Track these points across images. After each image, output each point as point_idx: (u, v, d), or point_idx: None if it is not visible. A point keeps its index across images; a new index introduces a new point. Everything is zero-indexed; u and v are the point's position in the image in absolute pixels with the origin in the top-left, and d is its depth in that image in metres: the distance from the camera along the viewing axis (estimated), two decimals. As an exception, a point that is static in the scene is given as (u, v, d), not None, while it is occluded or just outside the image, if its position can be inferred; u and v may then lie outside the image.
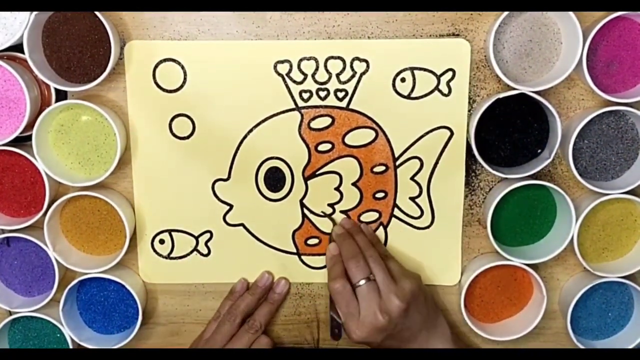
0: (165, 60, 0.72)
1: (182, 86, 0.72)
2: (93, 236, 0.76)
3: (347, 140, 0.73)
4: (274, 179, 0.74)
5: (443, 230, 0.76)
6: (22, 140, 0.72)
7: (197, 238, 0.76)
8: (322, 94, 0.72)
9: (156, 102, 0.73)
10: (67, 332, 0.76)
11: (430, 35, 0.72)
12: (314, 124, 0.73)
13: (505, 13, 0.67)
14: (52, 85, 0.70)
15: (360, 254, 0.70)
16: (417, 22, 0.71)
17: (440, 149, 0.73)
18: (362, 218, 0.76)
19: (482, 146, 0.71)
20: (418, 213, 0.75)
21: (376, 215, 0.76)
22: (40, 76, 0.68)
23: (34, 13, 0.67)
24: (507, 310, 0.78)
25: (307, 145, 0.73)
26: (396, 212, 0.76)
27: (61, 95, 0.73)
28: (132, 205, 0.76)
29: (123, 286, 0.74)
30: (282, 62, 0.72)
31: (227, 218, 0.76)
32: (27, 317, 0.77)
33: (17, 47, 0.69)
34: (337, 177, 0.74)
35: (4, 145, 0.70)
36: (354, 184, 0.75)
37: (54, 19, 0.69)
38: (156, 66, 0.72)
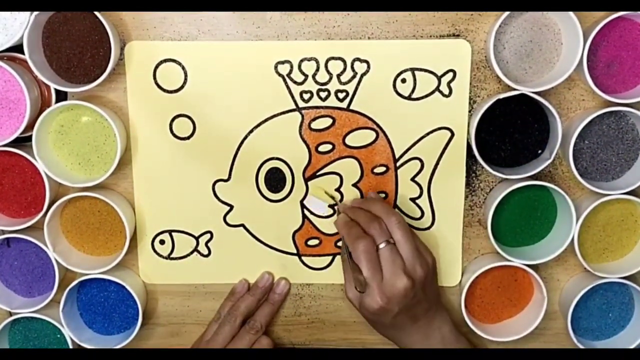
0: (165, 60, 0.72)
1: (182, 87, 0.72)
2: (93, 237, 0.76)
3: (348, 141, 0.73)
4: (275, 180, 0.74)
5: (444, 231, 0.76)
6: (22, 141, 0.72)
7: (197, 238, 0.76)
8: (323, 94, 0.72)
9: (157, 102, 0.72)
10: (68, 333, 0.76)
11: (430, 36, 0.71)
12: (314, 125, 0.73)
13: (506, 13, 0.67)
14: (52, 85, 0.70)
15: (379, 218, 0.68)
16: (418, 22, 0.71)
17: (440, 150, 0.73)
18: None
19: (482, 147, 0.71)
20: (418, 214, 0.75)
21: None
22: (41, 77, 0.68)
23: (34, 14, 0.67)
24: (507, 311, 0.78)
25: (308, 146, 0.73)
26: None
27: (61, 96, 0.72)
28: (132, 206, 0.76)
29: (123, 287, 0.74)
30: (282, 62, 0.72)
31: (227, 218, 0.75)
32: (28, 318, 0.77)
33: (17, 47, 0.69)
34: (338, 177, 0.74)
35: (4, 146, 0.70)
36: (354, 185, 0.74)
37: (54, 19, 0.69)
38: (157, 66, 0.72)
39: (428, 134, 0.73)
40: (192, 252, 0.77)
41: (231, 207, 0.75)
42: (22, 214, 0.74)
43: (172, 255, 0.77)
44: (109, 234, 0.76)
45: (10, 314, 0.77)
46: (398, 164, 0.74)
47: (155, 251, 0.77)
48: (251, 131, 0.73)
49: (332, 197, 0.75)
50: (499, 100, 0.69)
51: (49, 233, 0.73)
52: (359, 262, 0.67)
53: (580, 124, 0.69)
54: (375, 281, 0.66)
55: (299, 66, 0.71)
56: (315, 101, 0.72)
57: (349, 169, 0.74)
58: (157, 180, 0.74)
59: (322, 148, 0.73)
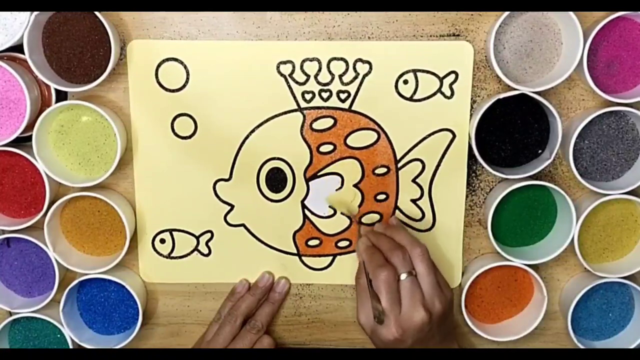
0: (167, 59, 0.71)
1: (184, 86, 0.72)
2: (93, 237, 0.76)
3: (349, 141, 0.73)
4: (276, 180, 0.74)
5: (444, 233, 0.76)
6: (23, 141, 0.72)
7: (197, 238, 0.76)
8: (325, 95, 0.72)
9: (158, 101, 0.72)
10: (68, 333, 0.76)
11: (430, 36, 0.71)
12: (316, 125, 0.73)
13: (506, 13, 0.67)
14: (53, 85, 0.70)
15: (402, 247, 0.68)
16: (418, 22, 0.71)
17: (442, 151, 0.73)
18: (364, 220, 0.76)
19: (482, 146, 0.71)
20: (419, 215, 0.75)
21: (377, 217, 0.76)
22: (41, 77, 0.68)
23: (34, 13, 0.67)
24: (507, 311, 0.78)
25: (309, 146, 0.73)
26: (397, 214, 0.75)
27: (61, 96, 0.72)
28: (132, 206, 0.76)
29: (123, 287, 0.74)
30: (284, 62, 0.71)
31: (228, 218, 0.75)
32: (28, 318, 0.77)
33: (18, 47, 0.69)
34: (339, 178, 0.74)
35: (4, 145, 0.70)
36: (355, 186, 0.74)
37: (54, 19, 0.69)
38: (158, 66, 0.72)
39: (429, 135, 0.73)
40: (192, 252, 0.77)
41: (232, 206, 0.75)
42: (22, 213, 0.74)
43: (172, 255, 0.77)
44: (109, 233, 0.76)
45: (11, 314, 0.77)
46: (399, 165, 0.74)
47: (155, 250, 0.76)
48: (252, 131, 0.73)
49: (353, 217, 0.75)
50: (499, 100, 0.69)
51: (49, 233, 0.73)
52: (379, 292, 0.65)
53: (581, 124, 0.69)
54: (393, 313, 0.65)
55: (301, 66, 0.71)
56: (317, 101, 0.72)
57: (350, 169, 0.74)
58: (158, 179, 0.74)
59: (323, 148, 0.73)
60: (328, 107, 0.73)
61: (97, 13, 0.67)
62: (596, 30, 0.67)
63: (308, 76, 0.72)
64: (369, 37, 0.72)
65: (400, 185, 0.75)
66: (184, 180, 0.74)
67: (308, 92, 0.72)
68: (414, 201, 0.75)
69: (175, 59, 0.71)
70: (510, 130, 0.72)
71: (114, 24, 0.71)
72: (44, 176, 0.71)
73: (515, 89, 0.68)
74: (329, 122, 0.73)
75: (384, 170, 0.74)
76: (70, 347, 0.76)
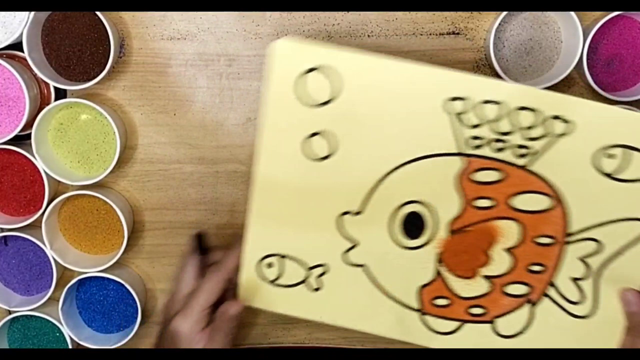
0: (314, 69, 0.59)
1: (328, 101, 0.60)
2: (91, 235, 0.76)
3: (515, 202, 0.61)
4: (413, 225, 0.63)
5: (602, 326, 0.63)
6: (22, 139, 0.72)
7: (309, 270, 0.66)
8: (498, 145, 0.59)
9: (294, 114, 0.61)
10: (67, 331, 0.76)
11: (430, 34, 0.71)
12: (477, 176, 0.61)
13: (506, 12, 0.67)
14: (52, 83, 0.70)
15: None
16: (417, 20, 0.71)
17: (628, 240, 0.61)
18: (509, 290, 0.64)
19: (482, 145, 0.71)
20: (577, 297, 0.63)
21: (525, 289, 0.64)
22: (40, 75, 0.68)
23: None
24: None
25: (463, 197, 0.62)
26: (550, 291, 0.64)
27: (60, 94, 0.72)
28: (130, 205, 0.76)
29: (122, 285, 0.74)
30: (458, 99, 0.58)
31: (348, 255, 0.65)
32: (26, 316, 0.77)
33: (17, 45, 0.69)
34: (490, 238, 0.63)
35: (3, 143, 0.70)
36: (507, 250, 0.63)
37: (53, 17, 0.69)
38: (302, 74, 0.59)
39: (620, 220, 0.61)
40: (300, 283, 0.66)
41: (355, 243, 0.65)
42: (21, 212, 0.74)
43: (278, 282, 0.66)
44: (106, 232, 0.76)
45: (9, 313, 0.77)
46: (569, 239, 0.62)
47: (260, 273, 0.66)
48: (399, 166, 0.62)
49: None
50: (498, 98, 0.69)
51: (47, 231, 0.73)
52: None
53: (580, 122, 0.68)
54: None
55: (479, 108, 0.58)
56: (486, 151, 0.60)
57: (507, 232, 0.63)
58: (279, 198, 0.64)
59: (479, 202, 0.62)
60: (498, 160, 0.60)
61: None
62: (596, 29, 0.66)
63: (483, 120, 0.58)
64: (368, 36, 0.72)
65: (564, 260, 0.63)
66: (308, 205, 0.64)
67: (477, 138, 0.59)
68: (575, 280, 0.63)
69: (323, 69, 0.59)
70: (510, 128, 0.71)
71: (113, 21, 0.71)
72: (42, 174, 0.71)
73: (515, 87, 0.68)
74: (495, 175, 0.61)
75: (548, 240, 0.62)
76: (70, 345, 0.76)
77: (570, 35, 0.68)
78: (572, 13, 0.66)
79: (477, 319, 0.65)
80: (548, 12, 0.69)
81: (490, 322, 0.65)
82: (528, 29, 0.70)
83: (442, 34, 0.71)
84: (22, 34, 0.67)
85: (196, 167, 0.76)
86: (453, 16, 0.71)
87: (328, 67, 0.59)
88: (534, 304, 0.64)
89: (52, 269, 0.74)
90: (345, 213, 0.64)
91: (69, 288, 0.74)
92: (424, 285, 0.65)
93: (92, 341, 0.77)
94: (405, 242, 0.64)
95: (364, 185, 0.63)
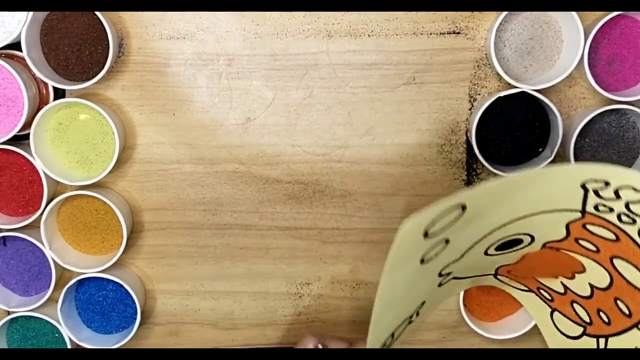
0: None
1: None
2: (90, 236, 0.76)
3: (616, 261, 0.59)
4: (508, 242, 0.61)
5: None
6: (20, 139, 0.72)
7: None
8: (623, 218, 0.54)
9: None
10: (66, 332, 0.75)
11: (430, 34, 0.71)
12: (591, 227, 0.57)
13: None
14: (50, 83, 0.69)
15: None
16: (418, 20, 0.71)
17: None
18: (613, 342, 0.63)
19: (483, 144, 0.71)
20: None
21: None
22: (39, 74, 0.68)
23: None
24: (507, 308, 0.77)
25: (568, 233, 0.59)
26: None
27: (59, 94, 0.72)
28: (129, 205, 0.76)
29: (122, 286, 0.74)
30: (595, 181, 0.52)
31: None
32: (25, 317, 0.77)
33: (15, 45, 0.69)
34: (578, 267, 0.62)
35: (1, 143, 0.70)
36: (590, 285, 0.62)
37: (52, 17, 0.69)
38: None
39: None
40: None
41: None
42: (20, 212, 0.74)
43: None
44: (105, 232, 0.75)
45: (8, 313, 0.77)
46: None
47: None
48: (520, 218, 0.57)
49: None
50: (499, 98, 0.69)
51: (46, 231, 0.72)
52: None
53: (581, 122, 0.68)
54: None
55: (618, 190, 0.52)
56: (608, 214, 0.55)
57: (597, 275, 0.61)
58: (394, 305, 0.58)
59: (583, 242, 0.59)
60: (616, 225, 0.56)
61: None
62: (597, 28, 0.66)
63: (619, 198, 0.53)
64: (368, 35, 0.71)
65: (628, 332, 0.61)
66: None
67: (604, 206, 0.54)
68: None
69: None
70: (511, 128, 0.71)
71: (112, 21, 0.71)
72: (41, 174, 0.71)
73: (515, 87, 0.68)
74: (607, 234, 0.57)
75: (625, 310, 0.61)
76: (69, 346, 0.76)
77: (571, 34, 0.68)
78: (573, 13, 0.66)
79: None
80: (549, 12, 0.69)
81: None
82: (529, 29, 0.70)
83: (443, 34, 0.71)
84: (20, 33, 0.67)
85: (195, 167, 0.76)
86: (454, 16, 0.71)
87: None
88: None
89: (51, 269, 0.74)
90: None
91: (68, 288, 0.74)
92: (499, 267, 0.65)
93: (91, 342, 0.76)
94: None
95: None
